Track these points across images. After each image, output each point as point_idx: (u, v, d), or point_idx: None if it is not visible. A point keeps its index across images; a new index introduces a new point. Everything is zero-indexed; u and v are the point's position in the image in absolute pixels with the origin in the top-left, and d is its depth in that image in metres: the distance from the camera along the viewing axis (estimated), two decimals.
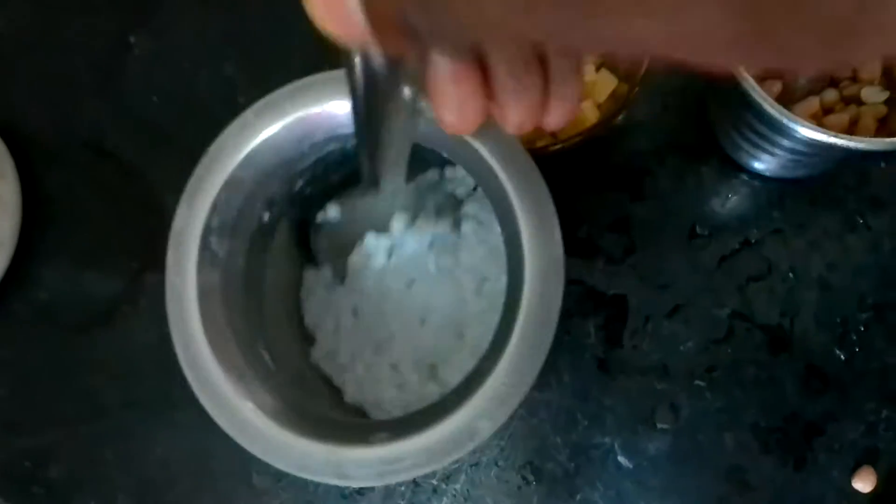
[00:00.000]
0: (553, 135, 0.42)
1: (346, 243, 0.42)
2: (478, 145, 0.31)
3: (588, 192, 0.46)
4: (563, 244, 0.31)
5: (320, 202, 0.42)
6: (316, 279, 0.44)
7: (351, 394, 0.42)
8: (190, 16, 0.54)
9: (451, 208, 0.42)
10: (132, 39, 0.55)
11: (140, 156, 0.53)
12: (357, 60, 0.22)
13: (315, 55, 0.52)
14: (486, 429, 0.29)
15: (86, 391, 0.50)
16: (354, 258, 0.42)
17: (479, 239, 0.41)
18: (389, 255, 0.42)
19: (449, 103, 0.24)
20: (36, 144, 0.54)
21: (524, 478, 0.45)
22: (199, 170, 0.34)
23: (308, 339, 0.44)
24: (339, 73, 0.34)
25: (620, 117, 0.41)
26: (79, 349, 0.51)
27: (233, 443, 0.40)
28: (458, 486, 0.45)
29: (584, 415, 0.45)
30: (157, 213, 0.51)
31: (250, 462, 0.46)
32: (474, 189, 0.43)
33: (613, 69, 0.43)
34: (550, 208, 0.31)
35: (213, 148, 0.34)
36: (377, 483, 0.30)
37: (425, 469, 0.30)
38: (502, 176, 0.31)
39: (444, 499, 0.45)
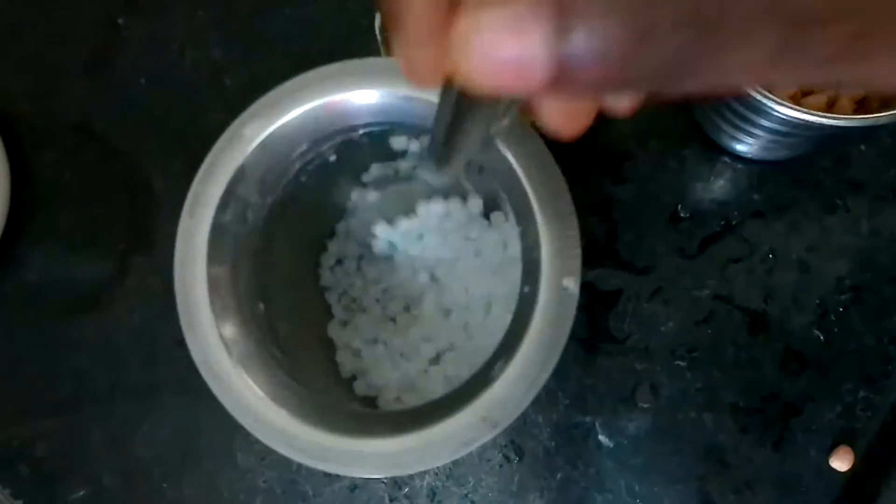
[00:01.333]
0: None
1: (373, 224, 0.43)
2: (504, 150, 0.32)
3: (570, 174, 0.46)
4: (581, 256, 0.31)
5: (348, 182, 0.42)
6: (340, 254, 0.45)
7: (360, 378, 0.43)
8: None
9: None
10: (120, 21, 0.55)
11: (128, 138, 0.53)
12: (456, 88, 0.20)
13: (298, 40, 0.53)
14: (488, 432, 0.29)
15: (73, 373, 0.50)
16: (381, 239, 0.43)
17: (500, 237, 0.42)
18: (417, 238, 0.43)
19: (561, 117, 0.23)
20: (24, 127, 0.54)
21: (506, 456, 0.45)
22: (227, 134, 0.34)
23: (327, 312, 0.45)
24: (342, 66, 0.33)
25: None
26: (66, 331, 0.51)
27: (217, 423, 0.40)
28: (440, 464, 0.45)
29: (566, 394, 0.45)
30: (144, 195, 0.52)
31: (234, 442, 0.47)
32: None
33: None
34: (573, 219, 0.32)
35: (247, 112, 0.34)
36: (383, 475, 0.31)
37: (429, 465, 0.31)
38: (525, 181, 0.32)
39: (427, 477, 0.45)
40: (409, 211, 0.41)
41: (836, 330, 0.44)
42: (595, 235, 0.46)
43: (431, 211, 0.40)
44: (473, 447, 0.30)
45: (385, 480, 0.46)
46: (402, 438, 0.31)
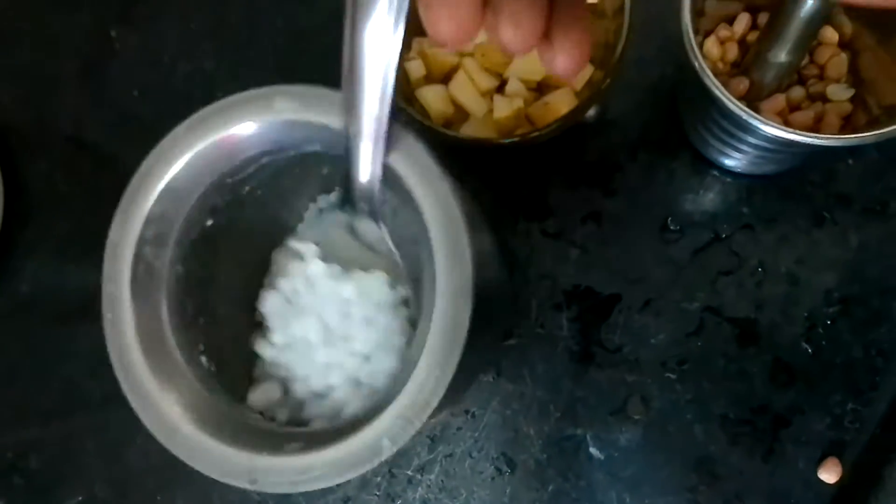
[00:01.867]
0: (531, 122, 0.43)
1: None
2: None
3: (560, 187, 0.47)
4: (472, 270, 0.31)
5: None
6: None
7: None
8: (171, 10, 0.54)
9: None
10: (113, 33, 0.55)
11: (120, 149, 0.53)
12: None
13: (290, 52, 0.53)
14: (388, 448, 0.30)
15: (66, 383, 0.50)
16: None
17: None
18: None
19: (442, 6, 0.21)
20: (17, 138, 0.54)
21: (498, 469, 0.45)
22: (135, 181, 0.34)
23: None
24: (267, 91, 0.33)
25: (594, 109, 0.41)
26: (59, 341, 0.51)
27: None
28: (432, 477, 0.46)
29: (557, 406, 0.45)
30: None
31: None
32: None
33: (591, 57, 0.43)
34: (462, 229, 0.31)
35: (147, 161, 0.34)
36: (290, 490, 0.31)
37: (335, 480, 0.31)
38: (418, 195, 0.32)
39: (419, 489, 0.46)
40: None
41: (824, 342, 0.44)
42: (586, 248, 0.46)
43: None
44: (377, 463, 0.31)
45: (378, 493, 0.46)
46: (309, 456, 0.32)
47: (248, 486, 0.30)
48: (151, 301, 0.34)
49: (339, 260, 0.38)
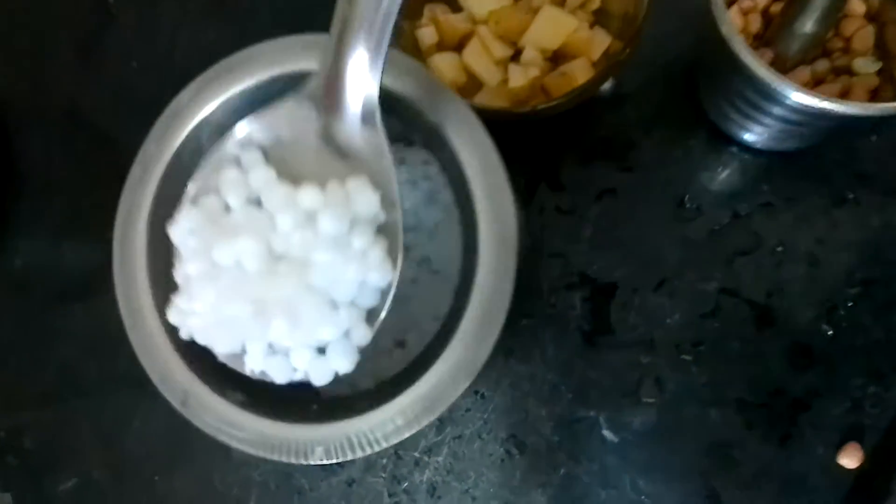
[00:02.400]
0: (545, 93, 0.41)
1: None
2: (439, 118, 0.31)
3: (573, 162, 0.46)
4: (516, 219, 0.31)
5: None
6: None
7: None
8: None
9: None
10: (111, 2, 0.53)
11: (119, 123, 0.52)
12: None
13: (292, 24, 0.51)
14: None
15: (62, 364, 0.49)
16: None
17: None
18: None
19: None
20: (12, 112, 0.53)
21: (507, 451, 0.44)
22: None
23: None
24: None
25: (609, 83, 0.40)
26: (55, 321, 0.50)
27: None
28: (440, 459, 0.44)
29: (569, 388, 0.44)
30: None
31: None
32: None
33: (607, 26, 0.42)
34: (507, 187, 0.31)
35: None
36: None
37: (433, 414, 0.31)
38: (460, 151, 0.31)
39: (427, 471, 0.44)
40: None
41: (844, 324, 0.43)
42: (599, 225, 0.45)
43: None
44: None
45: (383, 475, 0.45)
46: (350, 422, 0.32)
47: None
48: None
49: (296, 172, 0.32)
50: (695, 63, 0.45)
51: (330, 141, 0.31)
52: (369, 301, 0.31)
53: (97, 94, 0.53)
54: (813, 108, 0.34)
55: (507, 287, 0.30)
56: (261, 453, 0.33)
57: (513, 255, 0.30)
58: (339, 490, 0.45)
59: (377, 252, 0.30)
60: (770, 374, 0.43)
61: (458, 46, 0.41)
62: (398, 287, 0.31)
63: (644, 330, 0.44)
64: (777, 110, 0.37)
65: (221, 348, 0.32)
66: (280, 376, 0.31)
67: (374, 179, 0.30)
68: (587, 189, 0.46)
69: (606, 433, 0.44)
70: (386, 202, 0.31)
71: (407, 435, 0.31)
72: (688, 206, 0.45)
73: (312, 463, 0.32)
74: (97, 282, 0.50)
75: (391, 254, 0.31)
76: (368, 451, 0.31)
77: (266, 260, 0.30)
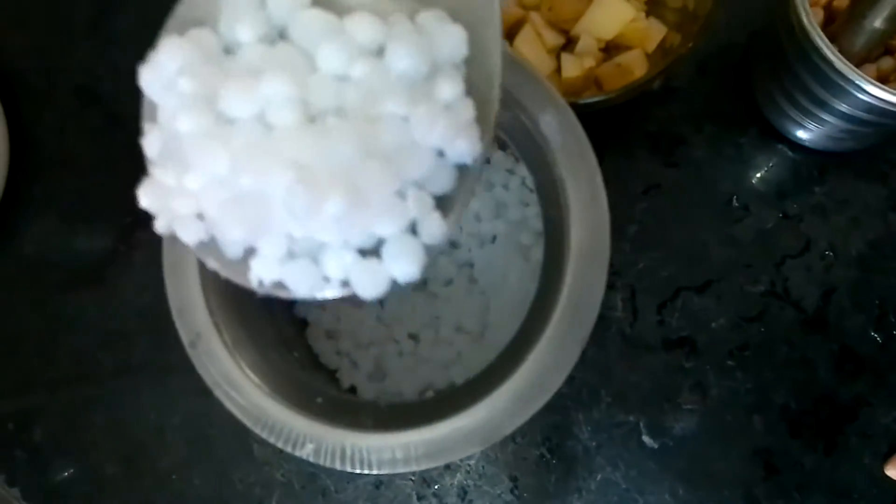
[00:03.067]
0: (597, 84, 0.40)
1: None
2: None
3: (618, 156, 0.44)
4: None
5: None
6: None
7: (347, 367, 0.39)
8: None
9: None
10: None
11: (136, 103, 0.49)
12: None
13: None
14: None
15: (74, 352, 0.47)
16: None
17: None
18: None
19: None
20: (25, 89, 0.51)
21: (542, 455, 0.43)
22: None
23: None
24: None
25: (658, 81, 0.38)
26: (67, 308, 0.48)
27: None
28: (472, 462, 0.43)
29: (608, 391, 0.43)
30: None
31: (250, 431, 0.44)
32: None
33: (661, 17, 0.40)
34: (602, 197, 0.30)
35: None
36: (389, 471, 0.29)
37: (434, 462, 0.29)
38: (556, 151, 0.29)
39: (458, 475, 0.43)
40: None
41: (895, 332, 0.42)
42: (644, 223, 0.43)
43: None
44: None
45: (413, 477, 0.43)
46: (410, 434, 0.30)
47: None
48: None
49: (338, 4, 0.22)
50: (749, 56, 0.43)
51: None
52: (441, 184, 0.23)
53: (114, 72, 0.51)
54: (887, 102, 0.33)
55: (590, 317, 0.29)
56: (249, 424, 0.31)
57: (601, 288, 0.29)
58: (366, 492, 0.43)
59: (468, 108, 0.22)
60: (816, 381, 0.42)
61: (510, 34, 0.39)
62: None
63: (687, 333, 0.43)
64: (844, 107, 0.36)
65: (228, 242, 0.23)
66: (303, 287, 0.22)
67: (461, 17, 0.22)
68: (632, 184, 0.44)
69: (646, 438, 0.42)
70: (479, 44, 0.22)
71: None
72: (736, 205, 0.43)
73: (299, 455, 0.31)
74: (112, 269, 0.48)
75: (483, 120, 0.22)
76: (361, 470, 0.30)
77: (303, 113, 0.21)
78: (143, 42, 0.50)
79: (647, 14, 0.40)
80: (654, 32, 0.39)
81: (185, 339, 0.32)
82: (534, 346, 0.29)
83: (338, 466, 0.30)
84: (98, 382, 0.47)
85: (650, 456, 0.42)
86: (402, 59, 0.21)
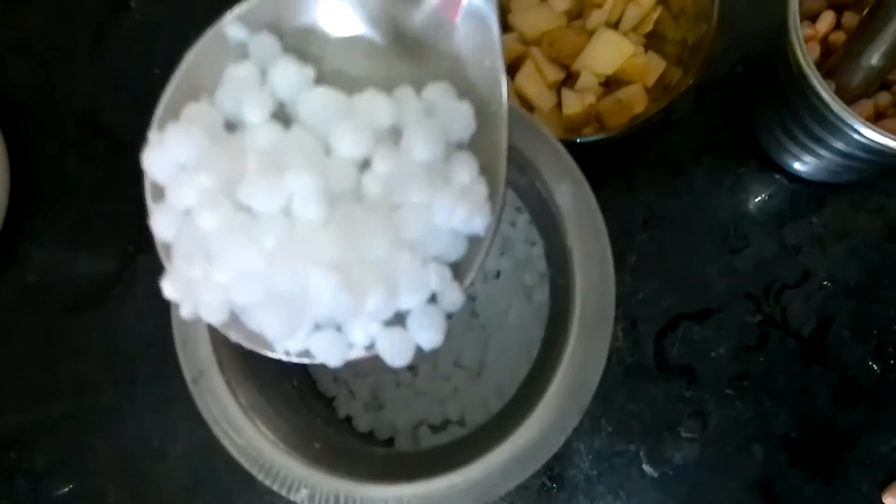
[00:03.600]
0: (598, 119, 0.40)
1: None
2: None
3: (618, 186, 0.44)
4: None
5: None
6: None
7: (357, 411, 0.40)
8: None
9: None
10: (132, 4, 0.51)
11: (138, 131, 0.49)
12: None
13: None
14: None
15: (75, 378, 0.47)
16: None
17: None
18: None
19: None
20: (27, 116, 0.51)
21: (544, 484, 0.43)
22: None
23: None
24: None
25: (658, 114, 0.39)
26: (68, 334, 0.48)
27: None
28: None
29: (609, 420, 0.43)
30: None
31: None
32: None
33: (660, 50, 0.40)
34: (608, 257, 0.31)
35: None
36: None
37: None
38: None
39: None
40: None
41: (893, 361, 0.42)
42: (644, 253, 0.44)
43: None
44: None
45: None
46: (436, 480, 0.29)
47: None
48: None
49: (329, 73, 0.22)
50: (748, 89, 0.44)
51: (390, 27, 0.22)
52: (456, 254, 0.23)
53: (116, 100, 0.51)
54: (881, 146, 0.33)
55: (590, 388, 0.30)
56: (246, 465, 0.32)
57: (601, 363, 0.30)
58: None
59: (482, 188, 0.23)
60: (816, 411, 0.42)
61: (511, 69, 0.40)
62: None
63: (687, 362, 0.43)
64: (839, 145, 0.36)
65: (270, 335, 0.23)
66: (332, 356, 0.23)
67: (463, 87, 0.22)
68: (632, 214, 0.44)
69: (647, 467, 0.42)
70: (485, 116, 0.22)
71: None
72: (735, 235, 0.44)
73: (293, 499, 0.31)
74: (111, 293, 0.48)
75: (493, 190, 0.23)
76: None
77: (325, 203, 0.21)
78: (144, 71, 0.50)
79: (647, 48, 0.40)
80: (654, 67, 0.39)
81: (187, 375, 0.32)
82: (534, 410, 0.29)
83: None
84: (100, 409, 0.47)
85: (651, 485, 0.42)
86: (422, 152, 0.21)
